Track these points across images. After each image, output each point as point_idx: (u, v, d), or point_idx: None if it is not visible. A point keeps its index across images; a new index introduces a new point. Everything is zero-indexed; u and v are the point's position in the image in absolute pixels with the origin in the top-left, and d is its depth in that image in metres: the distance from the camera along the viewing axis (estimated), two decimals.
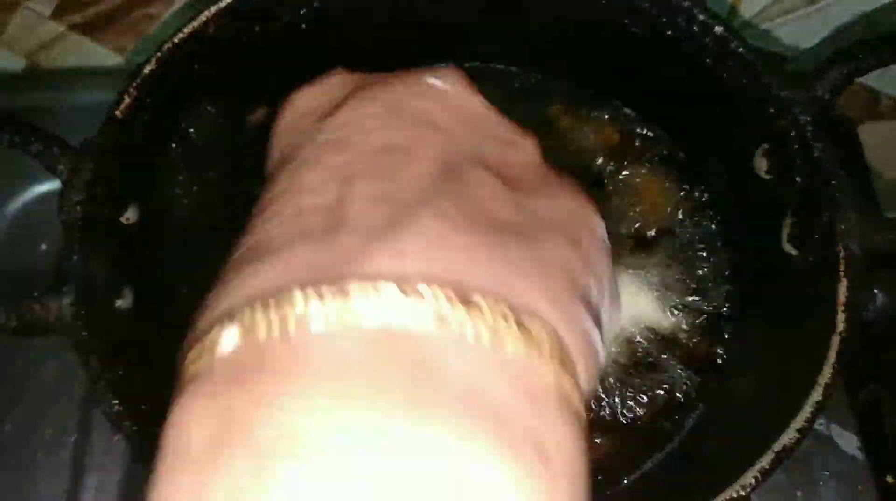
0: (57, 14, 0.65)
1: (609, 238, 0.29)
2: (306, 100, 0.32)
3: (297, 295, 0.20)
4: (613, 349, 0.50)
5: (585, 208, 0.28)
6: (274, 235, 0.24)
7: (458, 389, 0.19)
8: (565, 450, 0.20)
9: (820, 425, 0.53)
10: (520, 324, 0.20)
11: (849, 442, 0.53)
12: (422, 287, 0.20)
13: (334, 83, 0.32)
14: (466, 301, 0.20)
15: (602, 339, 0.25)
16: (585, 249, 0.26)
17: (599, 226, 0.29)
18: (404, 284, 0.20)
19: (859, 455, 0.52)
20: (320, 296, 0.20)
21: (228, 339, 0.21)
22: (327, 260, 0.22)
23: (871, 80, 0.82)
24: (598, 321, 0.24)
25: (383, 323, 0.19)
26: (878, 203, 0.73)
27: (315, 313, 0.20)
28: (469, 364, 0.20)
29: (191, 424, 0.21)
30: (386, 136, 0.26)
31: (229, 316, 0.22)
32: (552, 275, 0.23)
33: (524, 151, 0.30)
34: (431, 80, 0.30)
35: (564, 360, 0.21)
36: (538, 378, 0.20)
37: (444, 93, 0.29)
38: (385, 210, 0.23)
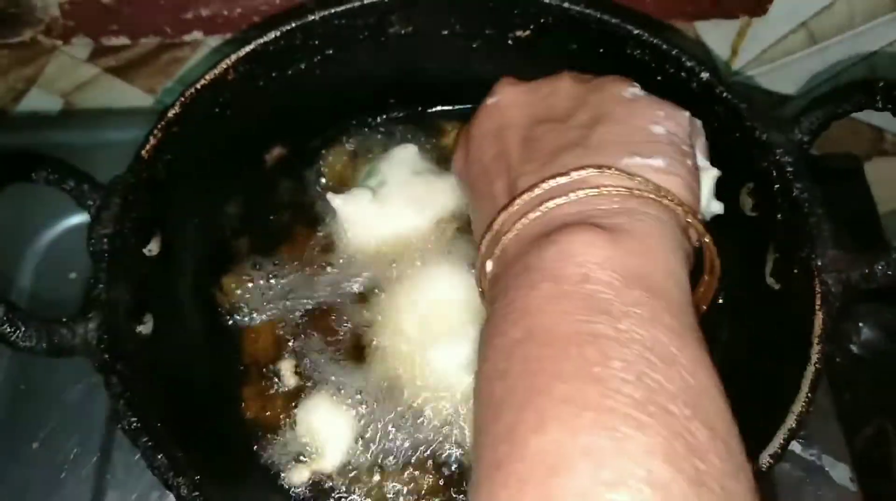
0: (92, 58, 0.69)
1: None
2: (517, 100, 0.47)
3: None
4: None
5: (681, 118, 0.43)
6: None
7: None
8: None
9: (812, 456, 0.54)
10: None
11: (841, 473, 0.54)
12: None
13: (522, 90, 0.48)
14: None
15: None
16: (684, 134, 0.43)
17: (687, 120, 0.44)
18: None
19: (851, 486, 0.53)
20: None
21: None
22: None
23: (875, 119, 0.84)
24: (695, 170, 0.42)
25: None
26: (884, 239, 0.74)
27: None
28: None
29: None
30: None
31: None
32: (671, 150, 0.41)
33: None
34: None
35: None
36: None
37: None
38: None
